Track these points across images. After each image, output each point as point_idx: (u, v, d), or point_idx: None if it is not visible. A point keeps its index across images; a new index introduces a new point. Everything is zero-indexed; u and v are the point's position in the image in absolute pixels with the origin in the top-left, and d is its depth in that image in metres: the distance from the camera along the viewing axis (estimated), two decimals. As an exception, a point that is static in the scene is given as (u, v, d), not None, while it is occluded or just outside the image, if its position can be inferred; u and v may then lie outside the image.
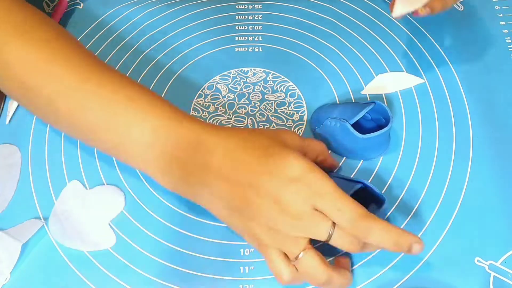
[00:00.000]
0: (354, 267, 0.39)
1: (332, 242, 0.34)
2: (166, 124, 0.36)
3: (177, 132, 0.36)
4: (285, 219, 0.33)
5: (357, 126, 0.43)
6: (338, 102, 0.47)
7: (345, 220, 0.32)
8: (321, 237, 0.33)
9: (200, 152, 0.35)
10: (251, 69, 0.50)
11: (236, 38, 0.53)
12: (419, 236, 0.40)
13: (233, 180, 0.34)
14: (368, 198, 0.38)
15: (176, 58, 0.51)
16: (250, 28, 0.53)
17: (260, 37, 0.53)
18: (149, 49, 0.52)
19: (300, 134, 0.46)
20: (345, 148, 0.43)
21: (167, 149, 0.36)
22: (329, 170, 0.43)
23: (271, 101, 0.48)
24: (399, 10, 0.41)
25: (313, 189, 0.33)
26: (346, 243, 0.34)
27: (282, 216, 0.33)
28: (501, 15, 0.52)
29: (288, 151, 0.34)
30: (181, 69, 0.50)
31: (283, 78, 0.49)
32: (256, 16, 0.54)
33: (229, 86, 0.49)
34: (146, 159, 0.36)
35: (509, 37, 0.51)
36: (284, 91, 0.49)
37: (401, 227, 0.40)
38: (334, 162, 0.42)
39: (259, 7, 0.55)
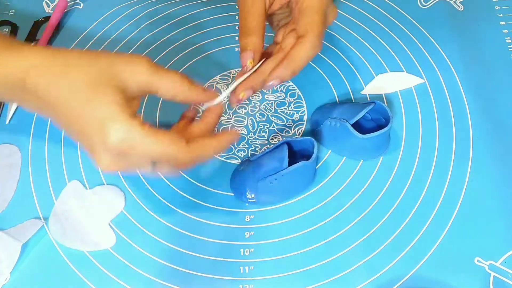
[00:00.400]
0: (354, 267, 0.39)
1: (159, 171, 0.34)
2: None
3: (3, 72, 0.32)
4: (110, 159, 0.32)
5: (357, 126, 0.43)
6: (338, 102, 0.47)
7: (171, 165, 0.33)
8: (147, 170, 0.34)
9: (23, 90, 0.32)
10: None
11: (236, 38, 0.52)
12: (419, 236, 0.40)
13: (56, 114, 0.33)
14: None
15: (176, 58, 0.51)
16: (250, 28, 0.53)
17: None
18: (149, 49, 0.52)
19: (300, 134, 0.46)
20: (345, 148, 0.43)
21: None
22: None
23: (271, 101, 0.48)
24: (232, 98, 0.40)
25: (127, 151, 0.32)
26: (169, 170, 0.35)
27: (107, 157, 0.32)
28: (501, 15, 0.52)
29: (110, 103, 0.31)
30: (181, 69, 0.50)
31: (283, 78, 0.49)
32: (256, 16, 0.54)
33: (229, 86, 0.49)
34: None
35: (509, 37, 0.51)
36: (284, 91, 0.49)
37: (401, 227, 0.41)
38: (193, 97, 0.37)
39: (259, 7, 0.55)
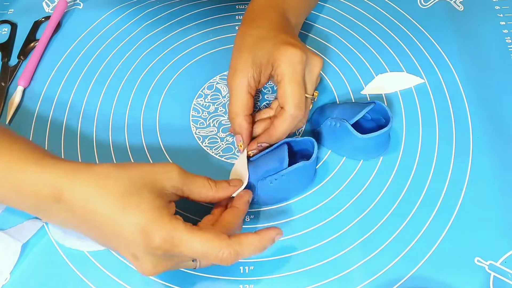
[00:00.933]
0: (354, 267, 0.39)
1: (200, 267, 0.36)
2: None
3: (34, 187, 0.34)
4: (149, 270, 0.34)
5: (357, 126, 0.43)
6: (338, 102, 0.47)
7: (213, 260, 0.33)
8: (189, 267, 0.36)
9: (59, 202, 0.34)
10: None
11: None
12: (419, 236, 0.40)
13: (93, 226, 0.34)
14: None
15: (176, 58, 0.51)
16: (250, 28, 0.53)
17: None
18: (148, 49, 0.52)
19: (300, 134, 0.46)
20: (345, 148, 0.43)
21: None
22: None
23: (271, 101, 0.48)
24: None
25: (168, 246, 0.33)
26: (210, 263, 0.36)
27: (149, 270, 0.34)
28: (501, 15, 0.52)
29: (140, 202, 0.33)
30: (181, 69, 0.51)
31: (283, 78, 0.49)
32: (256, 16, 0.54)
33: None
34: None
35: (509, 37, 0.51)
36: (284, 91, 0.49)
37: (401, 227, 0.40)
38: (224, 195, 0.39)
39: (259, 7, 0.55)
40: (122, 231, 0.33)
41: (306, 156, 0.41)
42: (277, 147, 0.42)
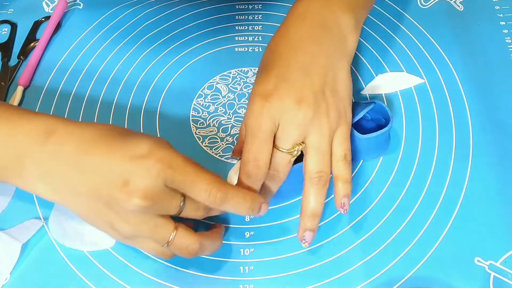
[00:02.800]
0: (354, 266, 0.39)
1: (182, 215, 0.34)
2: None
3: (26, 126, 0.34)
4: (134, 201, 0.31)
5: (357, 126, 0.43)
6: None
7: (201, 191, 0.32)
8: (172, 212, 0.33)
9: (51, 140, 0.33)
10: (251, 69, 0.50)
11: (236, 38, 0.53)
12: (419, 235, 0.40)
13: (82, 167, 0.32)
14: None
15: (176, 58, 0.51)
16: (250, 28, 0.53)
17: (260, 37, 0.53)
18: (149, 49, 0.52)
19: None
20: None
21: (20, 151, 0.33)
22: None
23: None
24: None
25: (164, 164, 0.31)
26: (194, 212, 0.34)
27: (130, 199, 0.31)
28: (501, 15, 0.52)
29: (139, 134, 0.34)
30: (181, 69, 0.51)
31: (283, 78, 0.49)
32: (256, 16, 0.54)
33: (229, 86, 0.49)
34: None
35: (509, 37, 0.51)
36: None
37: (401, 227, 0.40)
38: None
39: (259, 7, 0.55)
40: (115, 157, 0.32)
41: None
42: None
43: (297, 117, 0.36)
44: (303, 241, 0.38)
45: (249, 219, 0.42)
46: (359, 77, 0.49)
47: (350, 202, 0.42)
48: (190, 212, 0.34)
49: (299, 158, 0.41)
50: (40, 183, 0.34)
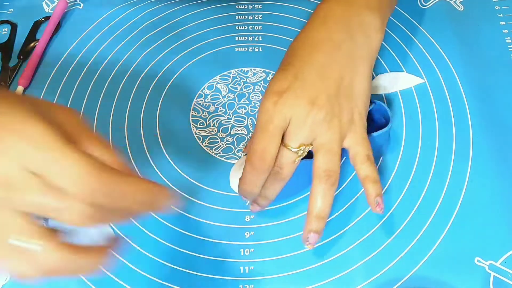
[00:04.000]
0: (354, 266, 0.39)
1: (57, 218, 0.25)
2: None
3: None
4: None
5: None
6: None
7: (74, 177, 0.24)
8: (36, 210, 0.24)
9: None
10: (251, 69, 0.50)
11: (236, 38, 0.52)
12: (419, 235, 0.40)
13: None
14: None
15: (177, 58, 0.51)
16: (250, 28, 0.53)
17: (260, 37, 0.53)
18: (148, 49, 0.52)
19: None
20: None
21: None
22: None
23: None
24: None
25: (27, 144, 0.24)
26: (73, 215, 0.25)
27: None
28: (501, 15, 0.52)
29: (17, 105, 0.25)
30: (181, 69, 0.51)
31: (283, 78, 0.49)
32: (256, 16, 0.54)
33: (229, 86, 0.49)
34: None
35: (509, 37, 0.51)
36: (284, 91, 0.49)
37: (401, 227, 0.40)
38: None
39: (259, 7, 0.55)
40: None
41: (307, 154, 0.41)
42: None
43: (308, 117, 0.36)
44: (307, 243, 0.38)
45: (249, 219, 0.42)
46: (359, 77, 0.49)
47: (350, 202, 0.42)
48: (66, 217, 0.26)
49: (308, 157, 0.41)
50: None
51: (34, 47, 0.53)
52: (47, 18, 0.55)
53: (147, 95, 0.49)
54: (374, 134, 0.41)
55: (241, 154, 0.45)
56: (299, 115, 0.37)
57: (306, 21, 0.52)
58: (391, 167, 0.44)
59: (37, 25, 0.55)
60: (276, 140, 0.37)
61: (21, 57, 0.52)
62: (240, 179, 0.39)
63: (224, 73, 0.50)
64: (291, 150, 0.37)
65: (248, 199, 0.40)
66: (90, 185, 0.24)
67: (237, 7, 0.55)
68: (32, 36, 0.54)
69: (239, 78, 0.50)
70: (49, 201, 0.24)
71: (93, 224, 0.26)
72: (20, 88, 0.50)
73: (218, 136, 0.46)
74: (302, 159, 0.39)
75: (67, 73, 0.51)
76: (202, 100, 0.49)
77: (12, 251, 0.25)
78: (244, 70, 0.50)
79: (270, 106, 0.37)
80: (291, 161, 0.38)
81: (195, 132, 0.47)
